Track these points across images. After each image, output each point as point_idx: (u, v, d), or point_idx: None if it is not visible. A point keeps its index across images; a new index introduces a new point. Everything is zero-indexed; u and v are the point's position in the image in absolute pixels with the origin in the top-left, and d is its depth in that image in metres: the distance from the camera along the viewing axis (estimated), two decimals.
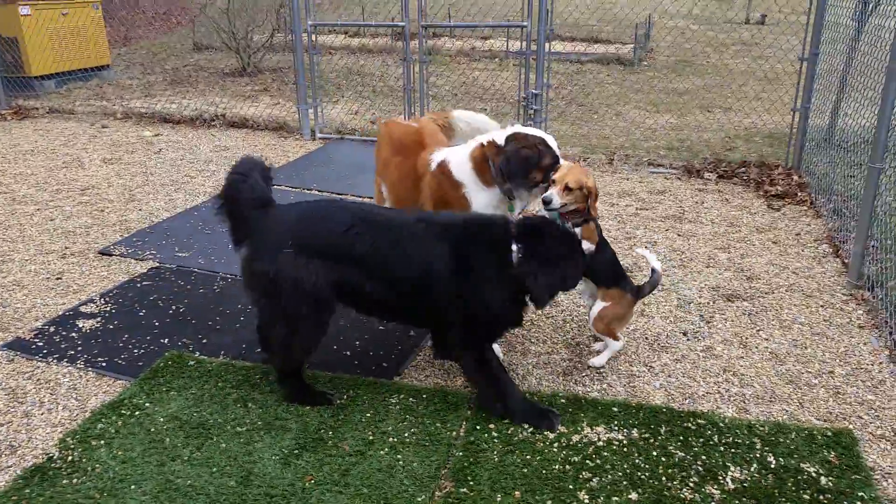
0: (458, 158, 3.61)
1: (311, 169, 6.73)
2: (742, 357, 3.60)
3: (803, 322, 3.94)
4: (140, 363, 3.54)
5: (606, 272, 3.44)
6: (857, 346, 3.69)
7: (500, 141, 3.50)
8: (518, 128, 3.59)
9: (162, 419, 3.08)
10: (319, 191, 6.10)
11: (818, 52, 6.15)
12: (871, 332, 3.82)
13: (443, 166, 3.62)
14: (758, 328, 3.88)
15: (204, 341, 3.74)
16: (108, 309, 4.07)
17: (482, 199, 3.57)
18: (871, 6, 5.56)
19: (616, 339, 3.48)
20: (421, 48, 7.34)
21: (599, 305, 3.42)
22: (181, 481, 2.72)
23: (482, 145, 3.55)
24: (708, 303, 4.17)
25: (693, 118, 8.89)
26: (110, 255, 4.80)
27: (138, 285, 4.37)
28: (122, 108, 9.07)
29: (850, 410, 3.18)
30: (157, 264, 4.66)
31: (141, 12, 15.89)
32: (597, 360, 3.51)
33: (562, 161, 3.50)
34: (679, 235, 5.18)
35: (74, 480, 2.74)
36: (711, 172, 6.60)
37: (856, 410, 3.18)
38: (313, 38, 7.70)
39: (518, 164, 3.43)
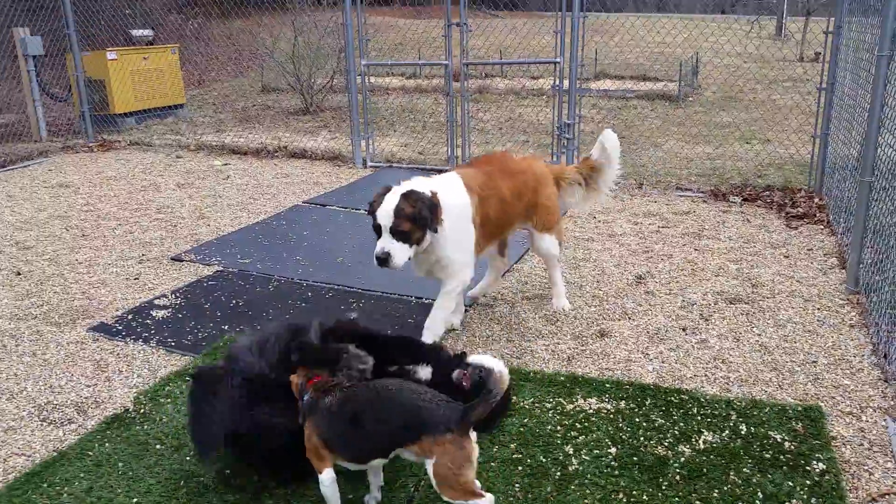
0: None
1: (360, 192, 7.37)
2: (733, 349, 3.96)
3: (797, 321, 4.26)
4: (203, 343, 4.14)
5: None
6: (844, 341, 4.00)
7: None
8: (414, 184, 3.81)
9: None
10: (366, 210, 6.70)
11: (834, 82, 6.48)
12: (861, 330, 4.11)
13: None
14: (752, 326, 4.22)
15: (258, 328, 4.31)
16: (177, 302, 4.71)
17: None
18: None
19: (479, 496, 2.40)
20: (463, 85, 7.96)
21: (430, 467, 2.41)
22: None
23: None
24: (710, 304, 4.53)
25: (730, 149, 9.19)
26: (181, 260, 5.49)
27: (204, 284, 5.01)
28: (195, 141, 9.99)
29: (826, 392, 3.50)
30: (222, 268, 5.31)
31: (214, 57, 17.17)
32: None
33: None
34: (695, 249, 5.55)
35: (145, 427, 3.32)
36: (737, 196, 6.93)
37: (830, 392, 3.50)
38: (367, 78, 8.43)
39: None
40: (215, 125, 11.52)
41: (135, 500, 2.83)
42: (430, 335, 4.05)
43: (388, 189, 3.74)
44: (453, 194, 3.91)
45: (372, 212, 3.73)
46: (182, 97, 12.30)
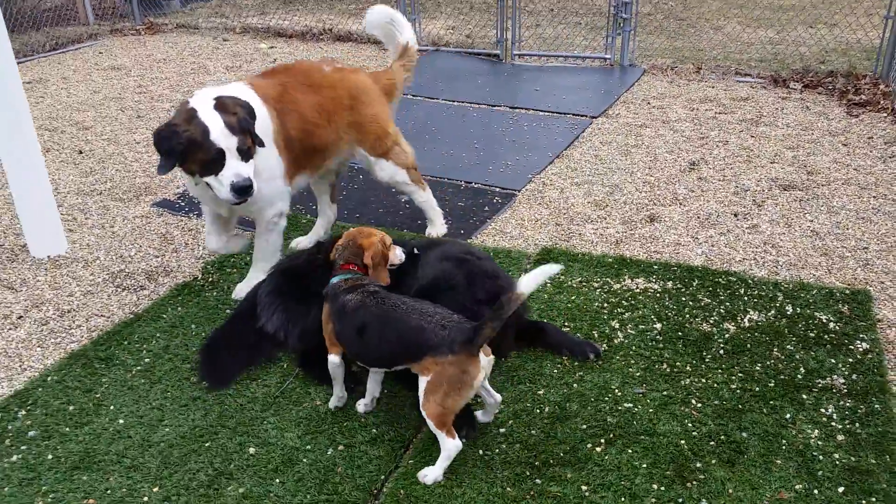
0: None
1: None
2: (784, 234, 3.95)
3: (851, 208, 4.20)
4: None
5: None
6: None
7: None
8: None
9: None
10: (413, 94, 6.66)
11: None
12: None
13: None
14: (805, 212, 4.18)
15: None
16: None
17: None
18: None
19: (450, 435, 2.37)
20: None
21: (423, 382, 2.40)
22: None
23: None
24: (763, 191, 4.48)
25: (794, 33, 8.71)
26: None
27: None
28: (241, 24, 9.87)
29: (875, 278, 3.51)
30: None
31: None
32: (430, 473, 2.41)
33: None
34: (752, 136, 5.42)
35: (214, 293, 3.53)
36: (797, 82, 6.65)
37: (880, 278, 3.51)
38: None
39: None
40: (259, 7, 11.31)
41: None
42: (243, 290, 3.41)
43: (188, 112, 2.97)
44: None
45: (194, 139, 2.90)
46: None
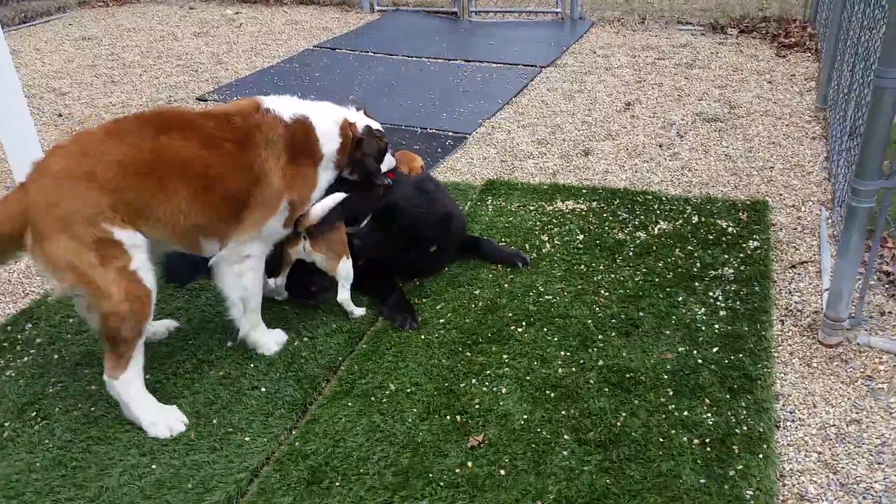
0: None
1: (369, 36, 7.65)
2: (700, 159, 4.43)
3: (764, 136, 4.69)
4: None
5: None
6: (803, 151, 4.45)
7: None
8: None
9: None
10: (374, 52, 7.03)
11: None
12: (820, 141, 4.54)
13: None
14: (722, 140, 4.67)
15: None
16: None
17: None
18: None
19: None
20: None
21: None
22: None
23: None
24: (688, 124, 4.95)
25: None
26: (206, 100, 5.96)
27: None
28: None
29: (775, 191, 4.01)
30: None
31: None
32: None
33: None
34: (685, 78, 5.87)
35: None
36: (734, 28, 7.10)
37: (779, 191, 4.01)
38: None
39: None
40: None
41: None
42: None
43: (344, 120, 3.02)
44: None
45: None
46: None
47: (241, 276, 2.79)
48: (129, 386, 2.53)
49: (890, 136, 2.52)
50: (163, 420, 2.57)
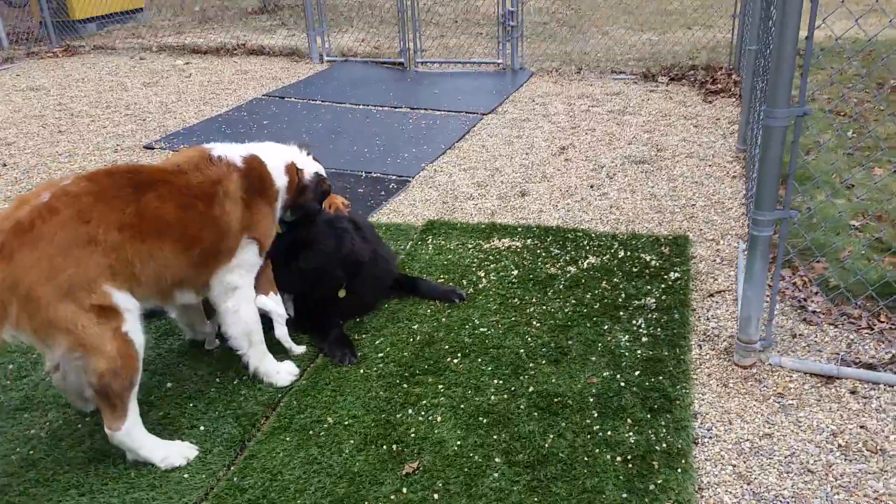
0: None
1: (317, 85, 7.86)
2: (627, 198, 4.69)
3: (687, 176, 4.99)
4: None
5: None
6: (723, 189, 4.74)
7: None
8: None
9: None
10: (322, 100, 7.23)
11: None
12: (740, 180, 4.85)
13: None
14: (649, 180, 4.94)
15: None
16: None
17: None
18: None
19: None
20: None
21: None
22: None
23: None
24: (617, 166, 5.23)
25: (672, 35, 9.67)
26: (152, 148, 6.04)
27: None
28: (157, 43, 10.26)
29: (696, 226, 4.27)
30: None
31: None
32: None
33: None
34: (617, 124, 6.20)
35: None
36: (664, 76, 7.52)
37: (700, 226, 4.26)
38: None
39: None
40: (175, 27, 11.70)
41: None
42: None
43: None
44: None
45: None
46: (141, 1, 12.36)
47: (237, 310, 2.90)
48: (132, 433, 2.59)
49: (782, 170, 2.77)
50: (174, 451, 2.65)
